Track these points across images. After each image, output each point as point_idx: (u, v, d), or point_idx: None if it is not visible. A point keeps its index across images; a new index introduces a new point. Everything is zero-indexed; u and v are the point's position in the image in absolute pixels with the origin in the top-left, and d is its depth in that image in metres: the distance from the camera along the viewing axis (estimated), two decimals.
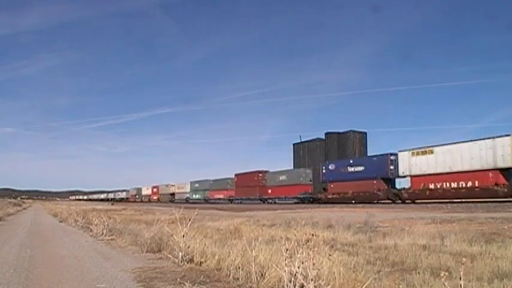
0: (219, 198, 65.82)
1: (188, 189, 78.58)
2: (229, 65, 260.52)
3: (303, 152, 65.82)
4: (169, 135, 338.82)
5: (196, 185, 76.14)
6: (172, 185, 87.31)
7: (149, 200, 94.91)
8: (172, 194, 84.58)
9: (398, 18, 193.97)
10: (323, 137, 65.44)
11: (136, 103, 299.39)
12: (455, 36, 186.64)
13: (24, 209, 53.96)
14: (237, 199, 60.59)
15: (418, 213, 22.02)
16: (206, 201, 68.95)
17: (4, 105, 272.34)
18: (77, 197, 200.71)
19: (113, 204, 76.36)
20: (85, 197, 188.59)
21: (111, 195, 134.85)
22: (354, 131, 62.10)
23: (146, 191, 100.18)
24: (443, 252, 8.45)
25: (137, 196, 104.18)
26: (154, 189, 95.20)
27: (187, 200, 74.67)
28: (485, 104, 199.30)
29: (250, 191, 57.50)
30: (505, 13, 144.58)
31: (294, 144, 69.33)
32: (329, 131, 65.02)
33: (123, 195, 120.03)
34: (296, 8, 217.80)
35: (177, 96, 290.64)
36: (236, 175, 62.37)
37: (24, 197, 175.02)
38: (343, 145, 61.19)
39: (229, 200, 62.49)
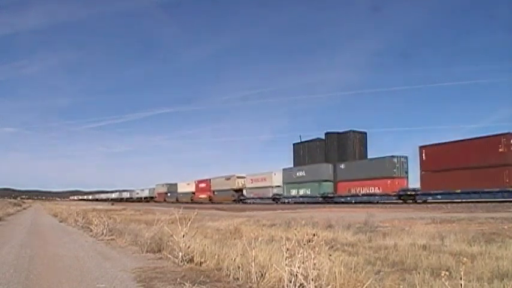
0: (372, 194, 38.85)
1: (277, 182, 51.92)
2: (229, 65, 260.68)
3: (303, 152, 65.71)
4: (169, 135, 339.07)
5: (301, 172, 48.73)
6: (239, 177, 60.82)
7: (192, 199, 70.66)
8: (239, 190, 60.67)
9: (398, 18, 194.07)
10: (323, 137, 65.36)
11: (136, 103, 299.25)
12: (455, 36, 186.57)
13: (24, 209, 53.95)
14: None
15: (418, 213, 22.03)
16: (326, 199, 43.59)
17: (4, 105, 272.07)
18: (81, 197, 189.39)
19: (112, 204, 76.23)
20: (90, 197, 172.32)
21: (125, 195, 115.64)
22: (354, 131, 62.00)
23: (186, 188, 75.57)
24: (443, 252, 8.44)
25: (169, 194, 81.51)
26: (202, 184, 70.39)
27: (278, 200, 51.20)
28: (485, 104, 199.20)
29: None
30: (505, 13, 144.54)
31: (294, 144, 69.21)
32: (329, 131, 64.90)
33: (144, 193, 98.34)
34: (296, 8, 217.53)
35: (177, 96, 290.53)
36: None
37: (24, 197, 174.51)
38: (343, 145, 61.09)
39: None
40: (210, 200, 66.13)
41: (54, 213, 33.86)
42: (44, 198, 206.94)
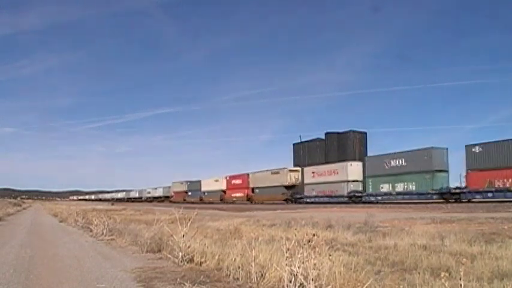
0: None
1: (354, 175, 40.43)
2: (229, 65, 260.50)
3: (303, 152, 65.75)
4: (169, 135, 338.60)
5: (398, 161, 36.76)
6: (293, 170, 48.52)
7: (222, 199, 61.22)
8: (291, 187, 48.49)
9: (398, 18, 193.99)
10: (323, 137, 65.41)
11: (136, 103, 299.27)
12: (455, 36, 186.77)
13: (24, 209, 53.94)
14: None
15: (418, 213, 22.02)
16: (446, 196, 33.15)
17: (4, 105, 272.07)
18: (82, 197, 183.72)
19: (112, 204, 76.17)
20: (92, 197, 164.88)
21: (134, 194, 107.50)
22: (354, 131, 62.04)
23: (213, 185, 65.27)
24: (443, 252, 8.43)
25: (189, 193, 72.72)
26: (236, 181, 59.36)
27: (358, 199, 39.67)
28: (485, 104, 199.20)
29: None
30: (505, 13, 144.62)
31: (294, 144, 69.27)
32: (329, 131, 64.97)
33: (158, 192, 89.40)
34: (296, 8, 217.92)
35: (177, 96, 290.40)
36: None
37: (24, 197, 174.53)
38: (343, 145, 61.11)
39: None
40: (249, 200, 54.66)
41: (54, 213, 33.87)
42: (44, 198, 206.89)
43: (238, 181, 60.53)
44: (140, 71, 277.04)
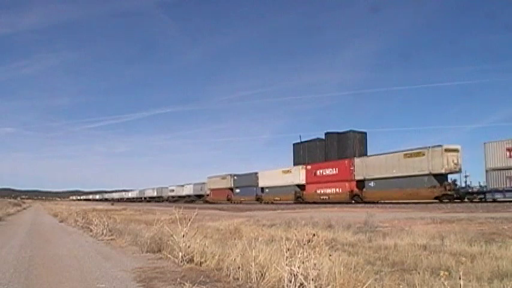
0: None
1: None
2: (229, 65, 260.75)
3: (303, 152, 65.73)
4: (169, 135, 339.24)
5: None
6: (450, 149, 31.12)
7: (301, 196, 43.33)
8: (440, 175, 31.09)
9: (398, 18, 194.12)
10: (323, 137, 65.43)
11: (136, 103, 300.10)
12: (455, 36, 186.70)
13: (24, 209, 53.96)
14: None
15: (418, 213, 22.00)
16: None
17: (4, 105, 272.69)
18: (85, 197, 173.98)
19: (112, 204, 76.08)
20: (96, 197, 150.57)
21: (149, 193, 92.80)
22: (354, 131, 62.06)
23: (281, 177, 46.48)
24: (443, 252, 8.44)
25: (237, 190, 56.80)
26: (328, 170, 40.43)
27: None
28: (485, 104, 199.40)
29: None
30: (505, 13, 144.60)
31: (294, 144, 69.28)
32: (329, 131, 64.99)
33: (186, 190, 72.75)
34: (296, 8, 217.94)
35: (177, 96, 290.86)
36: None
37: (24, 197, 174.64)
38: (343, 145, 61.14)
39: None
40: (355, 198, 37.24)
41: (54, 213, 33.87)
42: (44, 198, 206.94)
43: (331, 171, 40.13)
44: (140, 71, 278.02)
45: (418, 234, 11.51)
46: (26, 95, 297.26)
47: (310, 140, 66.82)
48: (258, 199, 51.14)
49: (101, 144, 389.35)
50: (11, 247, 10.87)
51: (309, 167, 44.85)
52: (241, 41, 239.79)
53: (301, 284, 4.65)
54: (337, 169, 40.02)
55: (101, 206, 58.68)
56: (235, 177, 58.39)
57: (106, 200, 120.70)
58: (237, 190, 57.31)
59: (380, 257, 8.43)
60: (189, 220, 8.27)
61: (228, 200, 56.96)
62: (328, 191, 40.45)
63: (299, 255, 4.73)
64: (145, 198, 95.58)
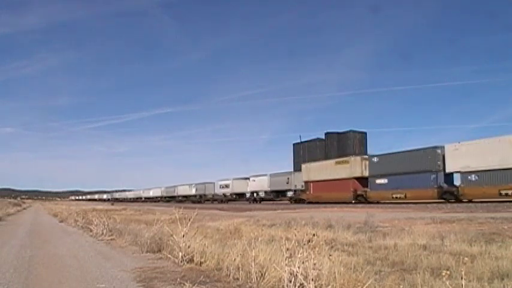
0: None
1: None
2: (230, 64, 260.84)
3: (303, 152, 65.80)
4: (169, 135, 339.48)
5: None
6: None
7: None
8: None
9: (398, 18, 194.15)
10: (323, 137, 65.55)
11: (136, 103, 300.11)
12: (455, 36, 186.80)
13: (24, 209, 53.96)
14: None
15: (418, 213, 21.99)
16: None
17: (4, 105, 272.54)
18: (90, 197, 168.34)
19: (112, 204, 76.07)
20: (103, 196, 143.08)
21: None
22: (354, 131, 62.18)
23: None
24: (443, 252, 8.44)
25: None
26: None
27: None
28: (485, 104, 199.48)
29: None
30: (506, 13, 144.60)
31: (294, 144, 69.42)
32: (329, 131, 65.17)
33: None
34: (296, 8, 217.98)
35: (177, 96, 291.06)
36: None
37: (24, 197, 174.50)
38: (343, 145, 61.25)
39: None
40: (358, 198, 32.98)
41: (54, 213, 33.87)
42: (44, 198, 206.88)
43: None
44: (140, 71, 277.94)
45: (418, 234, 11.50)
46: (26, 95, 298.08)
47: (310, 140, 66.92)
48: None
49: (101, 144, 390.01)
50: (11, 247, 10.87)
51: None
52: (241, 41, 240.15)
53: (301, 284, 4.65)
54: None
55: (101, 206, 58.66)
56: (374, 159, 36.41)
57: (116, 199, 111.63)
58: (381, 181, 35.35)
59: (380, 257, 8.42)
60: (189, 220, 8.27)
61: (358, 197, 36.67)
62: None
63: (299, 255, 4.73)
64: (173, 196, 78.18)
